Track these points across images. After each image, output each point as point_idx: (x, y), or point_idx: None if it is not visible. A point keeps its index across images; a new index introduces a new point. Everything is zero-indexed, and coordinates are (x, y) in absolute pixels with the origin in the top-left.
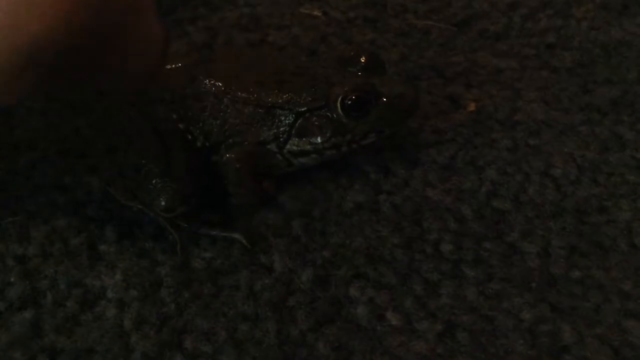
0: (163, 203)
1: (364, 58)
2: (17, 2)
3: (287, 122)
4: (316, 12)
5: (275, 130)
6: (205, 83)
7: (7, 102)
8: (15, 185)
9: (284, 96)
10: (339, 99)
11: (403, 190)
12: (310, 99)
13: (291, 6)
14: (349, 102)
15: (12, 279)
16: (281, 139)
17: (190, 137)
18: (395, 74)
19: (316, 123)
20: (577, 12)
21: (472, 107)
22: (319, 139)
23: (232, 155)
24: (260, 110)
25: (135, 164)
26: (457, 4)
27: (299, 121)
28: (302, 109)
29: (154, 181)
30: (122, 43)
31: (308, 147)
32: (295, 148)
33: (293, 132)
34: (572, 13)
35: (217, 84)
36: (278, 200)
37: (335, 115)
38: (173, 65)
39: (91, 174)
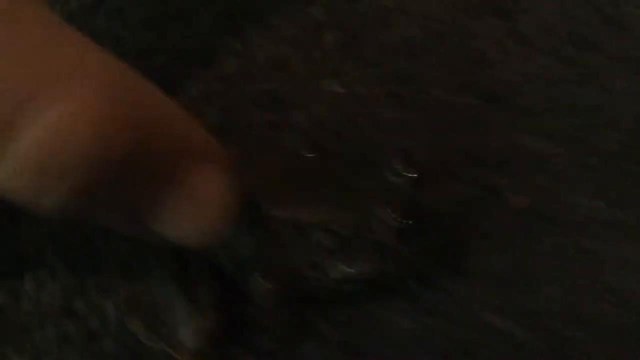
0: (189, 344)
1: (406, 165)
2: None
3: (327, 245)
4: (338, 89)
5: (313, 255)
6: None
7: (38, 209)
8: (19, 312)
9: (323, 215)
10: (389, 220)
11: (450, 310)
12: (355, 220)
13: (311, 81)
14: (402, 225)
15: None
16: (320, 265)
17: (217, 258)
18: (428, 162)
19: (361, 247)
20: (618, 86)
21: (518, 201)
22: (364, 266)
23: (267, 283)
24: (297, 231)
25: (154, 290)
26: (487, 77)
27: (341, 245)
28: (346, 232)
29: (176, 313)
30: (167, 189)
31: (351, 274)
32: (336, 275)
33: (334, 257)
34: (614, 86)
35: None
36: (318, 327)
37: (384, 239)
38: None
39: (105, 296)
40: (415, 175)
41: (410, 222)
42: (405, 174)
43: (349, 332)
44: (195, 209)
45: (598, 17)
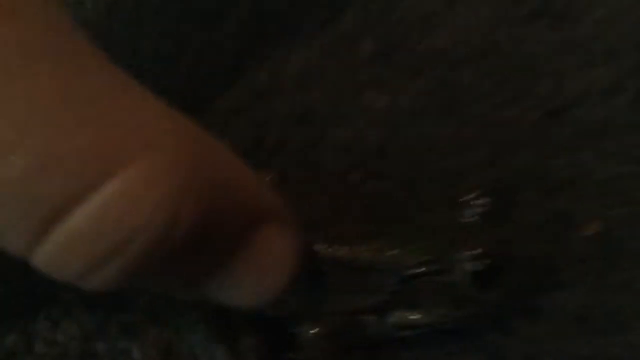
0: None
1: (481, 199)
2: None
3: (390, 287)
4: (380, 102)
5: (374, 298)
6: None
7: (93, 284)
8: (32, 356)
9: (387, 254)
10: (465, 264)
11: (519, 355)
12: (422, 259)
13: (350, 94)
14: (479, 270)
15: None
16: (382, 309)
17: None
18: (484, 184)
19: (429, 291)
20: None
21: (591, 228)
22: (432, 312)
23: (319, 330)
24: (356, 271)
25: (189, 338)
26: (544, 88)
27: (407, 287)
28: (411, 272)
29: None
30: (231, 253)
31: (417, 319)
32: (400, 321)
33: (398, 300)
34: None
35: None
36: None
37: (457, 284)
38: None
39: (129, 339)
40: (486, 205)
41: (488, 263)
42: (476, 203)
43: None
44: (261, 276)
45: None
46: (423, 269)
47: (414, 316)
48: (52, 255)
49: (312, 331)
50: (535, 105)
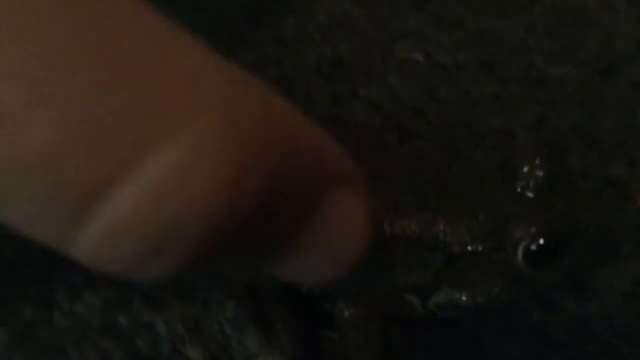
0: None
1: (535, 166)
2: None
3: (436, 265)
4: (415, 55)
5: (418, 276)
6: None
7: (144, 277)
8: (51, 328)
9: (432, 228)
10: (522, 244)
11: (579, 338)
12: (473, 236)
13: (383, 45)
14: (536, 249)
15: None
16: (426, 288)
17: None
18: (532, 141)
19: (479, 271)
20: None
21: None
22: (480, 293)
23: (358, 311)
24: (398, 246)
25: (219, 316)
26: (593, 42)
27: (455, 266)
28: (460, 250)
29: (248, 347)
30: (306, 226)
31: (463, 300)
32: (444, 301)
33: (444, 279)
34: None
35: None
36: (414, 358)
37: (511, 263)
38: None
39: (153, 312)
40: (541, 173)
41: (547, 241)
42: (530, 171)
43: None
44: (334, 249)
45: None
46: (473, 246)
47: (460, 297)
48: (92, 247)
49: (349, 310)
50: (582, 60)
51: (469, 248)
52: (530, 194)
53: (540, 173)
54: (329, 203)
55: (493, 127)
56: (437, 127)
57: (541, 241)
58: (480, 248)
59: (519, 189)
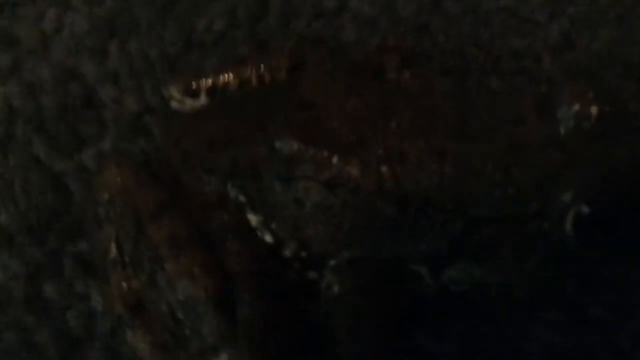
0: None
1: (592, 107)
2: None
3: (453, 231)
4: None
5: (429, 244)
6: (298, 145)
7: None
8: None
9: (450, 184)
10: (572, 210)
11: (619, 315)
12: (502, 197)
13: None
14: (590, 216)
15: None
16: (438, 259)
17: (270, 240)
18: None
19: (512, 242)
20: None
21: None
22: (511, 269)
23: (347, 283)
24: (406, 206)
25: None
26: None
27: (479, 234)
28: (486, 214)
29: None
30: None
31: (483, 276)
32: (462, 275)
33: (464, 250)
34: None
35: (320, 150)
36: (416, 342)
37: (554, 233)
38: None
39: (87, 280)
40: (598, 117)
41: (597, 208)
42: (583, 115)
43: (457, 348)
44: None
45: None
46: (504, 211)
47: (483, 272)
48: None
49: (338, 284)
50: None
51: (498, 212)
52: (578, 142)
53: (592, 113)
54: None
55: (513, 49)
56: (444, 50)
57: (590, 206)
58: (513, 213)
59: (562, 132)
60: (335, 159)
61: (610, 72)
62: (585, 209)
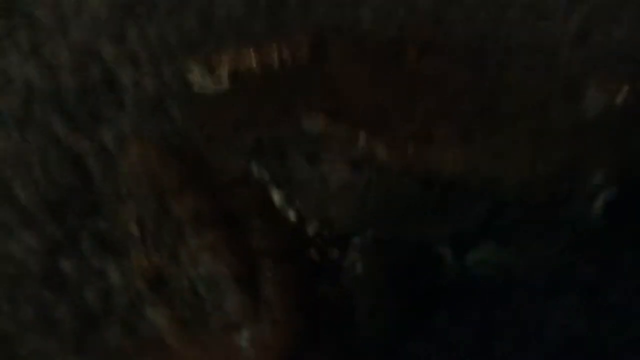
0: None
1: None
2: None
3: (478, 213)
4: None
5: (453, 225)
6: (325, 124)
7: None
8: None
9: (476, 166)
10: (602, 193)
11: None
12: (532, 180)
13: None
14: (622, 200)
15: None
16: (463, 241)
17: (294, 218)
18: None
19: (535, 226)
20: None
21: None
22: (536, 253)
23: (372, 262)
24: (432, 188)
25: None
26: None
27: (505, 217)
28: (513, 197)
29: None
30: None
31: (512, 260)
32: (485, 259)
33: (489, 232)
34: None
35: (347, 128)
36: (436, 327)
37: (583, 217)
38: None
39: (105, 257)
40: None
41: (628, 191)
42: (612, 100)
43: (475, 333)
44: None
45: None
46: (532, 194)
47: (507, 255)
48: None
49: (362, 263)
50: None
51: (525, 195)
52: (607, 124)
53: (621, 93)
54: None
55: (530, 39)
56: (462, 39)
57: (620, 190)
58: (538, 196)
59: (590, 115)
60: (361, 138)
61: (627, 65)
62: (614, 192)
